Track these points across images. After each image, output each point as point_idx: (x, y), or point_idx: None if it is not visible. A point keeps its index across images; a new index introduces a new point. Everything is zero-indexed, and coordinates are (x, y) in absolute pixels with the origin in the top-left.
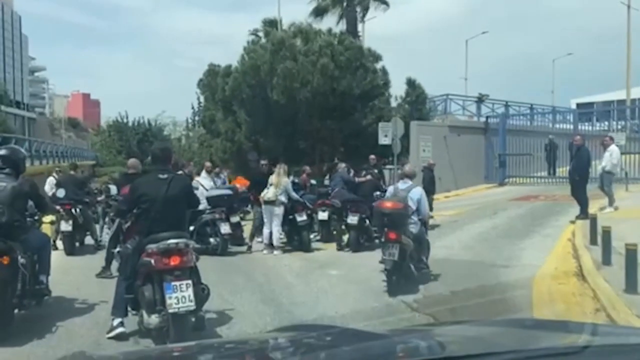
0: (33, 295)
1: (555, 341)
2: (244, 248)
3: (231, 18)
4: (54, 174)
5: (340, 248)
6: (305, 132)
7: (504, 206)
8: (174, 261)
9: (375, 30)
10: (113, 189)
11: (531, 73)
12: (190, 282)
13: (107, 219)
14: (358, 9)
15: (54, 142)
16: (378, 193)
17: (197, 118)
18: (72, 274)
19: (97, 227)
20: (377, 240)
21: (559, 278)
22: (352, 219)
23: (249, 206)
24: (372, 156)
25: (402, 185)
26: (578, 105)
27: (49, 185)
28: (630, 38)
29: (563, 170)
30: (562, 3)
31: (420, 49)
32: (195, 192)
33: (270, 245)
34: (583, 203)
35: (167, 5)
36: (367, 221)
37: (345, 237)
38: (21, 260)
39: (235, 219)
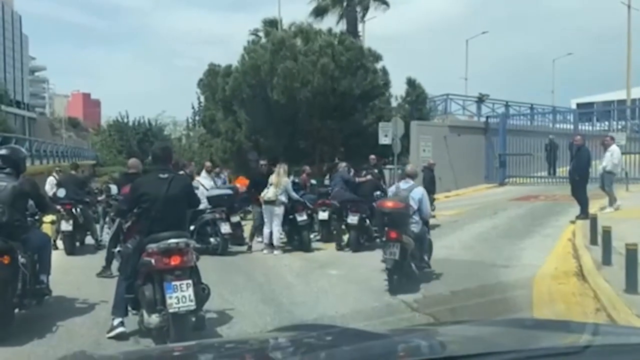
0: (33, 295)
1: (556, 341)
2: (244, 248)
3: (231, 18)
4: (54, 174)
5: (339, 248)
6: (306, 132)
7: (504, 206)
8: (175, 261)
9: (375, 30)
10: (113, 189)
11: (531, 73)
12: (190, 281)
13: (107, 219)
14: (358, 9)
15: (54, 142)
16: (378, 193)
17: (197, 118)
18: (72, 274)
19: (98, 226)
20: (378, 240)
21: (559, 278)
22: (353, 219)
23: (251, 206)
24: (372, 156)
25: (404, 185)
26: (578, 105)
27: (49, 185)
28: (630, 38)
29: (563, 170)
30: (563, 3)
31: (421, 49)
32: (196, 191)
33: (271, 245)
34: (583, 203)
35: (167, 5)
36: (368, 221)
37: (346, 237)
38: (22, 259)
39: (235, 218)
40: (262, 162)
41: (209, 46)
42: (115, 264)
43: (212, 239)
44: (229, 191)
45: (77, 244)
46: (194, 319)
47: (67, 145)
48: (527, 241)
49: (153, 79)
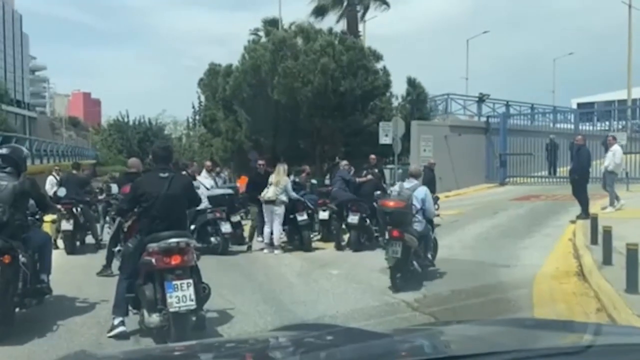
0: (34, 294)
1: (556, 341)
2: (245, 247)
3: (232, 17)
4: (54, 173)
5: (339, 247)
6: (306, 132)
7: (505, 206)
8: (175, 260)
9: (375, 30)
10: (114, 188)
11: (532, 73)
12: (191, 281)
13: (107, 218)
14: (358, 9)
15: (54, 141)
16: (379, 192)
17: (197, 117)
18: (73, 273)
19: (98, 226)
20: (380, 239)
21: (559, 278)
22: (353, 219)
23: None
24: (372, 156)
25: (407, 184)
26: (579, 105)
27: (49, 185)
28: (631, 38)
29: (564, 170)
30: (563, 3)
31: (421, 49)
32: (197, 191)
33: (271, 245)
34: (584, 203)
35: (167, 4)
36: (368, 221)
37: (346, 237)
38: (22, 259)
39: (236, 218)
40: (260, 161)
41: (210, 45)
42: (115, 263)
43: (212, 239)
44: (230, 191)
45: (78, 243)
46: (194, 318)
47: (68, 144)
48: (528, 241)
49: (154, 78)
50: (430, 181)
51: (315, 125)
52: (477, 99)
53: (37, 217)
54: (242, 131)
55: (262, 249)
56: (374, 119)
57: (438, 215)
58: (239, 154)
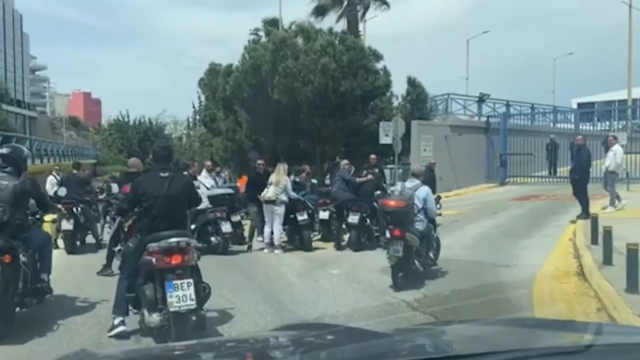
0: (34, 294)
1: (556, 340)
2: (245, 247)
3: (232, 17)
4: (54, 173)
5: (339, 247)
6: (306, 132)
7: (505, 206)
8: (176, 260)
9: (375, 30)
10: (114, 188)
11: (532, 73)
12: (191, 280)
13: (108, 218)
14: (358, 8)
15: (54, 141)
16: (379, 192)
17: (198, 117)
18: (73, 273)
19: (98, 225)
20: (380, 238)
21: (560, 278)
22: (353, 218)
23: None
24: (373, 156)
25: (409, 184)
26: (579, 104)
27: (50, 184)
28: (631, 37)
29: (564, 170)
30: (563, 2)
31: (421, 49)
32: (197, 191)
33: (271, 245)
34: (584, 203)
35: (167, 4)
36: (368, 220)
37: (346, 237)
38: (22, 258)
39: (236, 218)
40: (259, 161)
41: (210, 45)
42: (116, 263)
43: (213, 238)
44: (230, 190)
45: (78, 243)
46: (194, 318)
47: (68, 144)
48: (528, 241)
49: (154, 78)
50: (430, 181)
51: (315, 125)
52: (477, 99)
53: (38, 216)
54: (242, 131)
55: (262, 249)
56: (374, 118)
57: (440, 215)
58: (239, 154)
